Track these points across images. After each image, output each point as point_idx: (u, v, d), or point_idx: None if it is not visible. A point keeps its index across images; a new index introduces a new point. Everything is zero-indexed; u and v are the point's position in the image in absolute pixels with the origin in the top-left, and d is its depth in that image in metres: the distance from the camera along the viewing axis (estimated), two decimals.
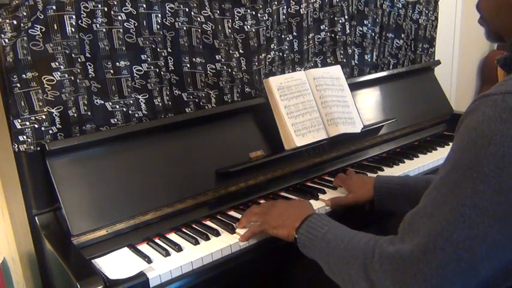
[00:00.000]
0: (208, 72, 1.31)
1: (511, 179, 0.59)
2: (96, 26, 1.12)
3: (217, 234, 1.08)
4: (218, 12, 1.31)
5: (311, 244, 0.88)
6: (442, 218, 0.64)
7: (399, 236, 0.71)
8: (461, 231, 0.62)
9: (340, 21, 1.60)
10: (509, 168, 0.59)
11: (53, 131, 1.10)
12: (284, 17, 1.47)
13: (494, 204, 0.60)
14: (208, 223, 1.16)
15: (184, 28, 1.25)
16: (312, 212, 0.96)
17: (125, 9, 1.16)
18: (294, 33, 1.51)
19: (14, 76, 1.03)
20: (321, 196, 1.25)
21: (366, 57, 1.74)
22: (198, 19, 1.27)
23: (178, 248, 1.02)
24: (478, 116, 0.63)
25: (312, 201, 1.22)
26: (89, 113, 1.15)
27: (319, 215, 0.94)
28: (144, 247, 1.05)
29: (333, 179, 1.36)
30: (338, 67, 1.52)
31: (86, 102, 1.14)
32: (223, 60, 1.33)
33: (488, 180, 0.60)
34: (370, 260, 0.72)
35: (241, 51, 1.38)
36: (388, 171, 1.42)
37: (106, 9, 1.13)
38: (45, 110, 1.08)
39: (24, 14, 1.03)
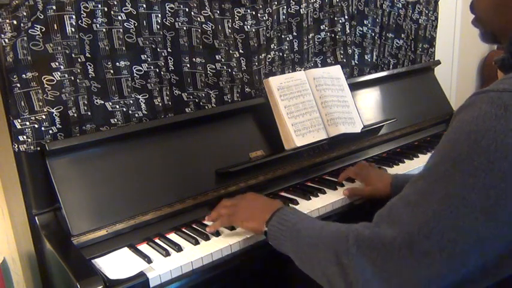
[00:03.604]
0: (208, 72, 1.31)
1: (500, 174, 0.60)
2: (96, 26, 1.12)
3: (217, 234, 1.07)
4: (218, 12, 1.31)
5: (281, 235, 0.89)
6: (429, 208, 0.64)
7: (374, 221, 0.72)
8: (448, 221, 0.62)
9: (340, 21, 1.60)
10: (500, 164, 0.60)
11: (53, 131, 1.10)
12: (284, 17, 1.47)
13: (482, 198, 0.61)
14: (209, 223, 1.15)
15: (184, 28, 1.25)
16: (281, 206, 0.96)
17: (124, 9, 1.16)
18: (294, 33, 1.51)
19: (14, 76, 1.03)
20: (320, 196, 1.25)
21: (366, 57, 1.74)
22: (198, 19, 1.27)
23: (178, 248, 1.02)
24: (474, 111, 0.63)
25: (313, 200, 1.22)
26: (89, 113, 1.15)
27: (290, 207, 0.96)
28: (144, 247, 1.05)
29: (333, 179, 1.37)
30: (338, 67, 1.52)
31: (86, 102, 1.14)
32: (223, 60, 1.33)
33: (478, 173, 0.61)
34: (344, 244, 0.72)
35: (241, 51, 1.38)
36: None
37: (106, 9, 1.13)
38: (45, 110, 1.08)
39: (24, 14, 1.03)
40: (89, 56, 1.13)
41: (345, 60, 1.64)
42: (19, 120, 1.05)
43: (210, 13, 1.28)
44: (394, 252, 0.66)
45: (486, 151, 0.60)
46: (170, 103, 1.27)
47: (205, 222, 1.10)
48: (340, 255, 0.72)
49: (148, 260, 0.97)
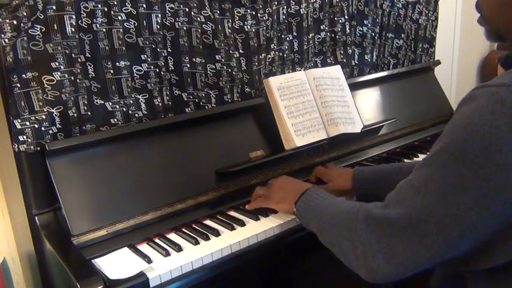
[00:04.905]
0: (208, 72, 1.31)
1: (494, 167, 0.62)
2: (96, 26, 1.12)
3: (217, 234, 1.08)
4: (218, 12, 1.31)
5: (307, 213, 0.97)
6: (428, 194, 0.69)
7: (385, 202, 0.76)
8: (444, 208, 0.67)
9: (340, 21, 1.60)
10: (493, 157, 0.62)
11: (53, 131, 1.10)
12: (284, 17, 1.47)
13: (475, 189, 0.64)
14: (209, 223, 1.15)
15: (184, 28, 1.25)
16: (309, 187, 1.03)
17: (124, 9, 1.16)
18: (294, 33, 1.51)
19: (14, 76, 1.03)
20: None
21: (366, 57, 1.74)
22: (198, 19, 1.27)
23: (178, 248, 1.02)
24: (473, 104, 0.66)
25: None
26: (89, 113, 1.15)
27: (316, 188, 1.03)
28: (144, 247, 1.05)
29: None
30: (338, 67, 1.52)
31: (86, 102, 1.14)
32: (223, 60, 1.33)
33: (472, 165, 0.64)
34: (355, 221, 0.78)
35: (241, 51, 1.38)
36: None
37: (106, 9, 1.13)
38: (45, 110, 1.08)
39: (24, 14, 1.03)
40: (89, 56, 1.13)
41: (345, 60, 1.64)
42: (19, 120, 1.05)
43: (210, 13, 1.28)
44: (397, 232, 0.71)
45: (481, 144, 0.63)
46: (170, 103, 1.27)
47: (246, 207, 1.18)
48: (351, 231, 0.78)
49: (148, 260, 0.97)
